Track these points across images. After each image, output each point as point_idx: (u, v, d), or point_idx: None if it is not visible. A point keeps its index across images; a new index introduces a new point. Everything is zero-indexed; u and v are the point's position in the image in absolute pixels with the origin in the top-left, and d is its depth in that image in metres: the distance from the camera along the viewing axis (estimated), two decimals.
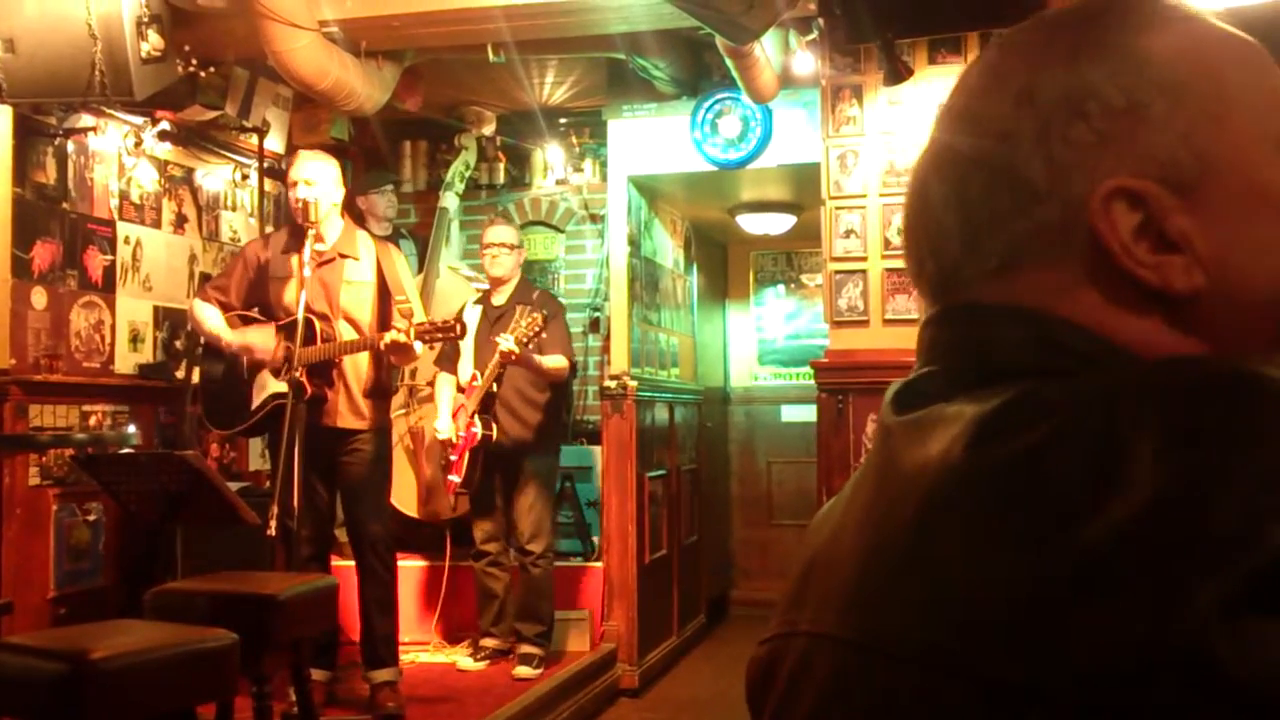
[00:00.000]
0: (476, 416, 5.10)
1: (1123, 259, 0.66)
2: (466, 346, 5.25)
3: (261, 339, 4.43)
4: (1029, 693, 0.54)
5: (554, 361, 5.12)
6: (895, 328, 4.49)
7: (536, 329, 4.83)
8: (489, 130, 6.48)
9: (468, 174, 6.60)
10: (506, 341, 4.82)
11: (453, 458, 5.17)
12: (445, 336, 4.36)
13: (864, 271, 4.55)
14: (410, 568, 5.55)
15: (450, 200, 6.50)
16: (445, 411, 5.27)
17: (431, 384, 5.88)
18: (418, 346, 4.35)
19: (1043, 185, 0.68)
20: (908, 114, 4.52)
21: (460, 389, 5.25)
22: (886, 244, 4.52)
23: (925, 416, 0.66)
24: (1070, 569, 0.54)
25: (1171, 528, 0.53)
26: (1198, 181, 0.67)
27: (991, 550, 0.57)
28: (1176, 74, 0.68)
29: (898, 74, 4.22)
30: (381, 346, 4.32)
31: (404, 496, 5.70)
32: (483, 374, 5.09)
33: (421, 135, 6.80)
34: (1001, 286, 0.70)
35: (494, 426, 5.11)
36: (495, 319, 5.24)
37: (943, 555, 0.59)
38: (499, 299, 5.32)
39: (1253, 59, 0.71)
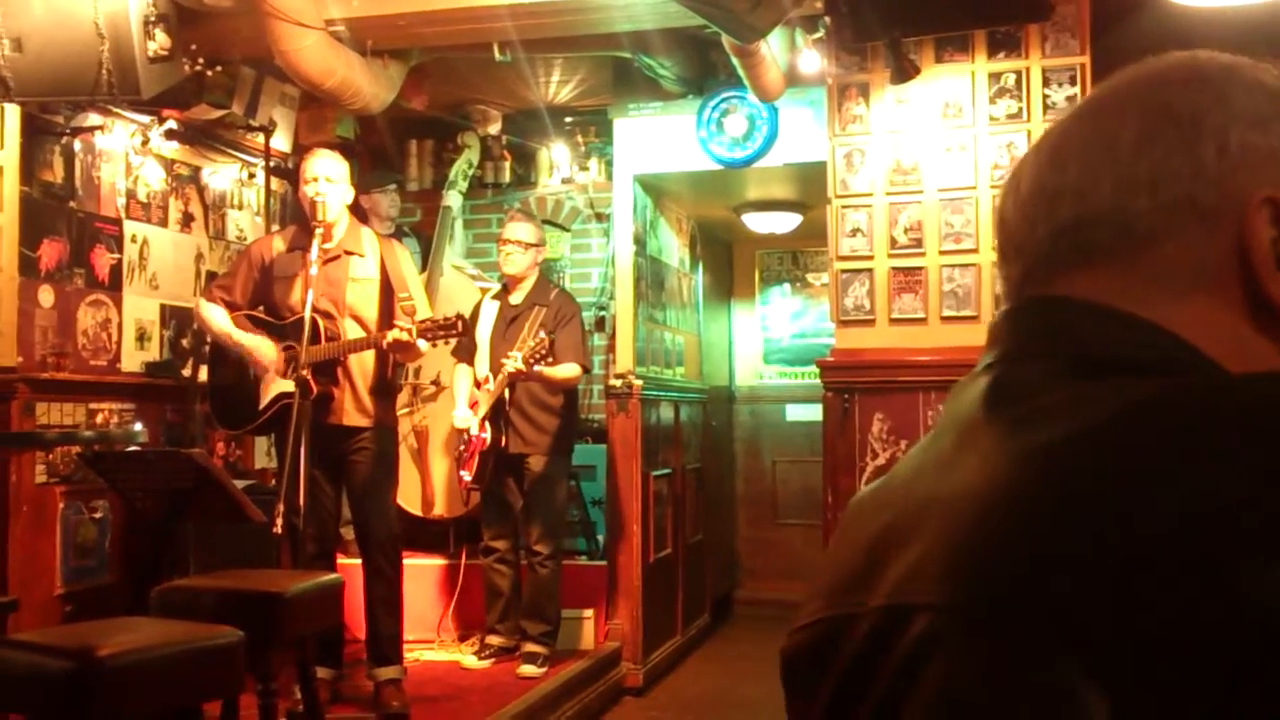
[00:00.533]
0: (487, 422, 5.11)
1: (1258, 258, 0.72)
2: (483, 341, 5.26)
3: (266, 348, 4.44)
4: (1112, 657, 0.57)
5: (566, 371, 5.12)
6: (901, 327, 4.48)
7: (543, 352, 4.84)
8: (495, 129, 6.48)
9: (470, 172, 6.60)
10: (514, 362, 4.83)
11: (465, 455, 5.18)
12: (448, 334, 4.36)
13: (870, 270, 4.54)
14: (417, 565, 5.56)
15: (453, 199, 6.50)
16: (462, 402, 5.27)
17: (436, 382, 5.89)
18: (421, 344, 4.35)
19: (1210, 167, 0.74)
20: (914, 112, 4.51)
21: (477, 383, 5.26)
22: (893, 243, 4.51)
23: (1041, 408, 0.68)
24: (1132, 549, 0.59)
25: (1233, 524, 0.58)
26: None
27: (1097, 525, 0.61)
28: None
29: (904, 72, 4.21)
30: (385, 345, 4.32)
31: (409, 495, 5.71)
32: (495, 377, 5.10)
33: (427, 134, 6.80)
34: (1143, 260, 0.74)
35: (505, 433, 5.11)
36: (511, 319, 5.23)
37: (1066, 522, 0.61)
38: (516, 298, 5.31)
39: None
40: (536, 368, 4.89)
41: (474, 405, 5.21)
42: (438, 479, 5.86)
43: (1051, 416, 0.67)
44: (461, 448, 5.25)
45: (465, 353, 5.29)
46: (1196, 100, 0.76)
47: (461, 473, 5.23)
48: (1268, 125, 0.74)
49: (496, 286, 5.53)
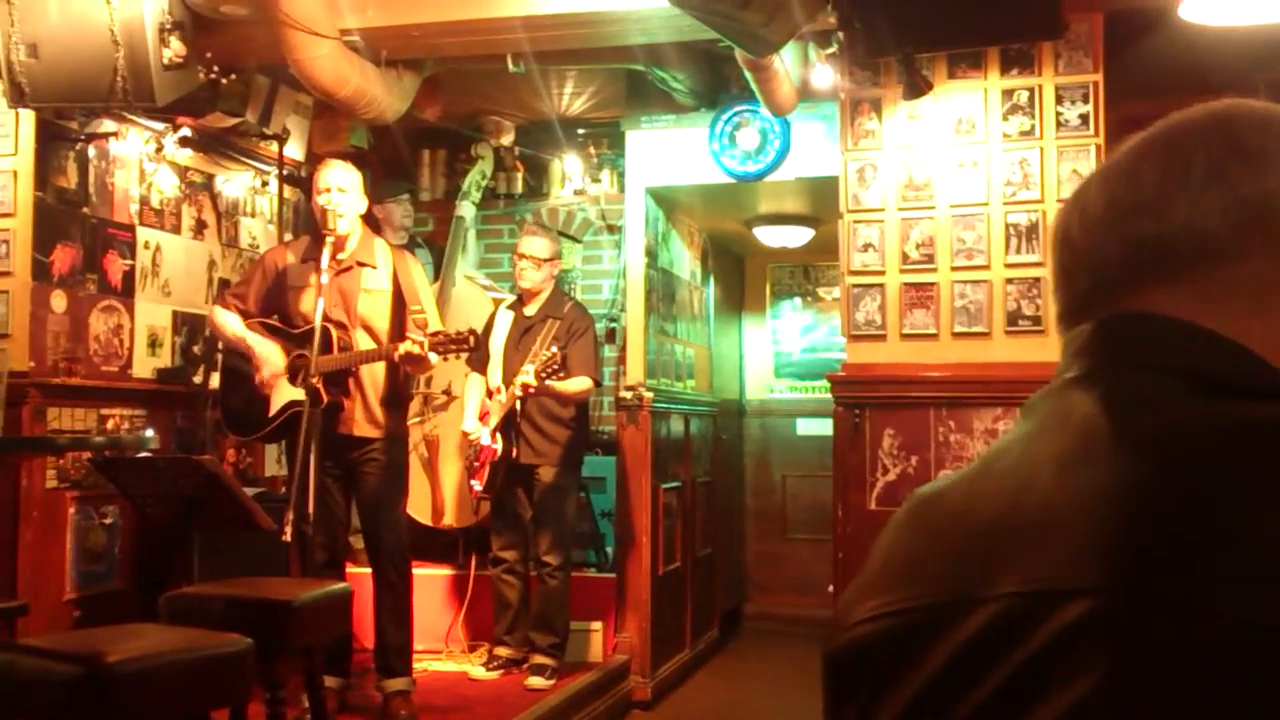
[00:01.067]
0: (498, 433, 5.12)
1: None
2: (496, 351, 5.27)
3: (273, 354, 4.45)
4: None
5: (577, 385, 5.13)
6: (913, 342, 4.48)
7: (554, 367, 4.86)
8: (508, 140, 6.49)
9: (484, 183, 6.62)
10: (525, 376, 4.85)
11: (476, 464, 5.19)
12: (459, 348, 4.37)
13: (882, 285, 4.54)
14: (426, 575, 5.56)
15: (467, 209, 6.51)
16: (471, 413, 5.30)
17: (447, 392, 5.90)
18: (432, 357, 4.36)
19: (1277, 195, 0.79)
20: (927, 128, 4.51)
21: (489, 393, 5.27)
22: (905, 258, 4.51)
23: (1186, 417, 0.73)
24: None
25: None
26: None
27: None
28: None
29: (917, 88, 4.21)
30: (396, 357, 4.33)
31: (419, 505, 5.71)
32: (507, 388, 5.11)
33: (440, 144, 6.82)
34: (1217, 274, 0.78)
35: (515, 444, 5.12)
36: (525, 329, 5.25)
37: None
38: (530, 309, 5.33)
39: None
40: (548, 382, 4.90)
41: (485, 415, 5.22)
42: (448, 489, 5.86)
43: (1199, 422, 0.71)
44: (472, 456, 5.26)
45: (478, 362, 5.30)
46: (1261, 140, 0.81)
47: (472, 482, 5.24)
48: None
49: (510, 297, 5.54)
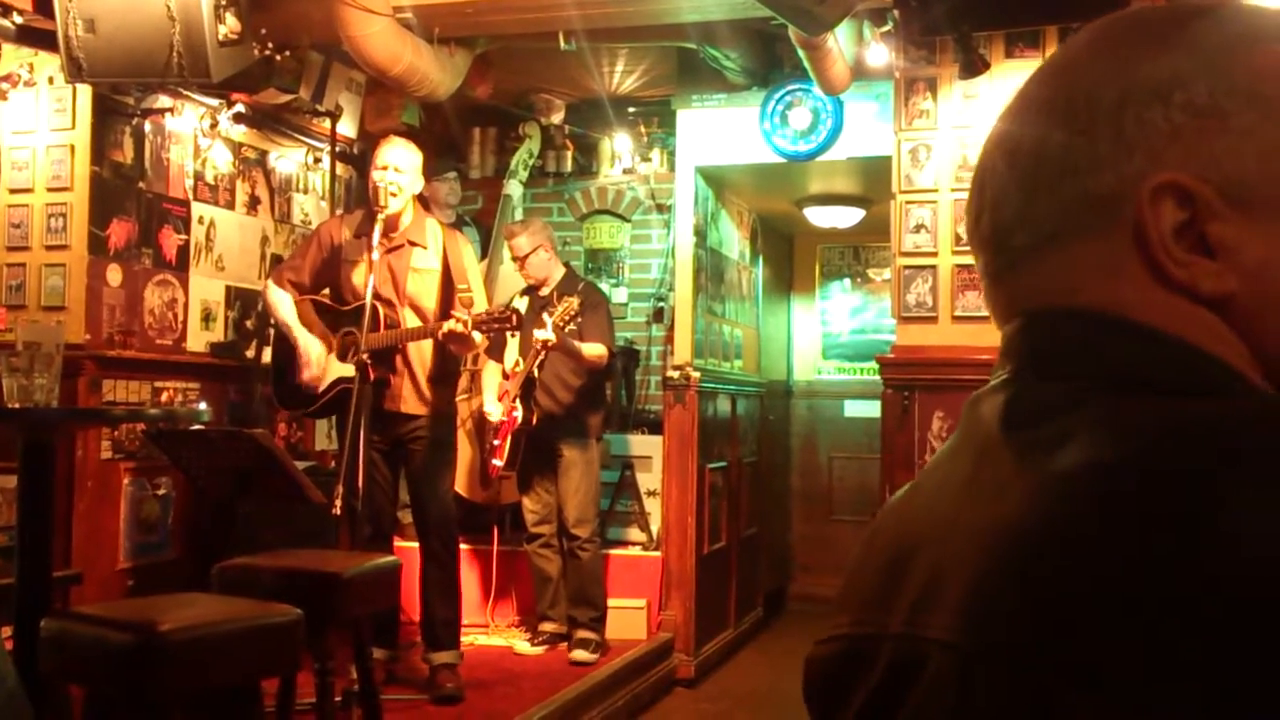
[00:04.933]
0: (518, 400, 5.17)
1: (1156, 250, 0.68)
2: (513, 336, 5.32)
3: (316, 352, 4.48)
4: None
5: (593, 349, 5.18)
6: (964, 324, 4.44)
7: (573, 313, 4.91)
8: (558, 118, 6.50)
9: (531, 162, 6.63)
10: (544, 331, 4.90)
11: (495, 442, 5.23)
12: (502, 326, 4.38)
13: (934, 267, 4.50)
14: (471, 550, 5.60)
15: (514, 188, 6.52)
16: (490, 396, 5.36)
17: None
18: (476, 336, 4.38)
19: (1106, 155, 0.69)
20: (983, 108, 4.46)
21: (505, 375, 5.32)
22: (957, 239, 4.46)
23: (1060, 432, 0.64)
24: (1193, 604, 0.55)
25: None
26: (1261, 200, 0.67)
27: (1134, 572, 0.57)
28: (1270, 92, 0.68)
29: (974, 67, 4.16)
30: (440, 335, 4.35)
31: (464, 480, 5.74)
32: (525, 360, 5.17)
33: (491, 122, 6.83)
34: (1052, 261, 0.72)
35: (534, 413, 5.18)
36: (540, 309, 5.29)
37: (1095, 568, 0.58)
38: (545, 290, 5.38)
39: None
40: (566, 339, 4.96)
41: (503, 397, 5.28)
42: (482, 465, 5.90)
43: (1071, 441, 0.62)
44: (491, 436, 5.31)
45: (495, 349, 5.35)
46: (1097, 77, 0.71)
47: (494, 461, 5.28)
48: (1169, 95, 0.68)
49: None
